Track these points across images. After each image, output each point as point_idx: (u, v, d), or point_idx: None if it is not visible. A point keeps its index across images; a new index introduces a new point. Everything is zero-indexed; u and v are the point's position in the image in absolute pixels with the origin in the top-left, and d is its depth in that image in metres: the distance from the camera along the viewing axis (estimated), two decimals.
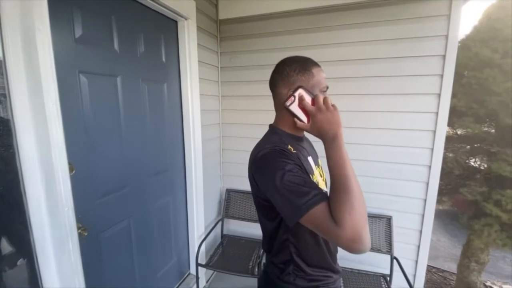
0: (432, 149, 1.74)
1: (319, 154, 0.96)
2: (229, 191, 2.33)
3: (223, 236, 2.27)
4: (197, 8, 1.78)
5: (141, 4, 1.44)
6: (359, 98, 1.86)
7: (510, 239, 2.07)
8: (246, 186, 2.32)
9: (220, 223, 2.27)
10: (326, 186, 0.87)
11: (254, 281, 1.82)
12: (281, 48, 2.00)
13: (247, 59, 2.12)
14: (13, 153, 0.95)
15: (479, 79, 2.14)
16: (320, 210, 0.59)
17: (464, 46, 2.31)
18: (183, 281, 2.03)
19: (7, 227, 1.01)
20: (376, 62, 1.79)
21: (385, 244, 1.87)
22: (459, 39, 1.66)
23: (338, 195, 0.60)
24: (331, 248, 0.84)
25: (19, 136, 0.93)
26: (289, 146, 0.75)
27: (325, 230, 0.59)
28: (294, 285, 0.80)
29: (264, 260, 1.87)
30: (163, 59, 1.65)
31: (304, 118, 0.73)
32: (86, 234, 1.17)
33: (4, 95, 0.91)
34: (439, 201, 1.85)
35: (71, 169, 1.09)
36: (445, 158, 1.94)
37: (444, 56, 1.65)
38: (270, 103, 2.21)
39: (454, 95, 1.89)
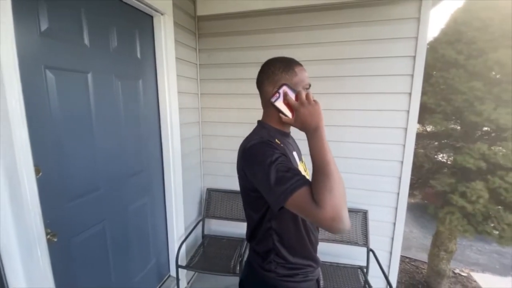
0: (404, 146, 1.83)
1: (303, 152, 1.00)
2: (210, 191, 2.30)
3: (204, 236, 2.24)
4: (174, 3, 1.73)
5: None
6: (335, 97, 1.91)
7: (471, 226, 2.23)
8: (227, 185, 2.31)
9: (200, 223, 2.24)
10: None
11: (236, 280, 1.81)
12: (260, 46, 2.00)
13: (227, 57, 2.10)
14: None
15: (446, 78, 2.28)
16: (302, 193, 0.63)
17: (432, 48, 2.45)
18: (163, 283, 1.98)
19: None
20: (351, 62, 1.85)
21: (361, 237, 1.94)
22: (427, 41, 1.75)
23: (318, 179, 0.64)
24: (312, 238, 0.88)
25: None
26: (276, 140, 0.80)
27: (308, 211, 0.63)
28: (275, 273, 0.84)
29: (245, 258, 1.87)
30: (138, 55, 1.59)
31: (288, 113, 0.78)
32: (55, 239, 1.10)
33: None
34: (410, 195, 1.95)
35: (37, 172, 1.02)
36: (416, 154, 2.05)
37: (414, 57, 1.73)
38: (250, 101, 2.21)
39: (424, 93, 2.00)
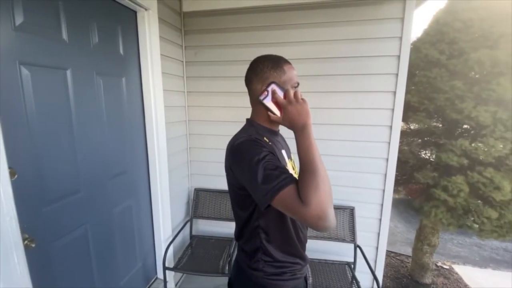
0: (389, 143, 1.86)
1: (292, 150, 0.99)
2: (197, 191, 2.27)
3: (192, 237, 2.21)
4: None
5: None
6: (322, 95, 1.92)
7: (454, 219, 2.31)
8: (215, 184, 2.29)
9: (188, 224, 2.21)
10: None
11: (224, 280, 1.80)
12: (248, 44, 1.98)
13: (214, 54, 2.07)
14: None
15: (429, 77, 2.34)
16: (289, 191, 0.63)
17: (416, 47, 2.51)
18: (149, 286, 1.94)
19: None
20: (338, 61, 1.86)
21: (348, 233, 1.97)
22: (411, 41, 1.79)
23: (305, 177, 0.64)
24: (301, 236, 0.88)
25: None
26: (265, 138, 0.80)
27: (294, 210, 0.63)
28: (263, 272, 0.84)
29: (234, 257, 1.86)
30: (121, 51, 1.53)
31: (276, 111, 0.77)
32: (33, 245, 1.05)
33: None
34: (395, 191, 2.00)
35: (12, 174, 0.97)
36: (400, 151, 2.10)
37: (398, 57, 1.76)
38: (238, 100, 2.19)
39: (408, 92, 2.05)
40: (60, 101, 1.19)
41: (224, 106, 2.12)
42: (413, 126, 2.83)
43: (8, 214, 0.92)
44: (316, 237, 1.98)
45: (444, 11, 2.46)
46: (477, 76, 2.24)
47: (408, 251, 3.29)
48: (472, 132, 2.40)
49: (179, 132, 2.12)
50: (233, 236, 2.13)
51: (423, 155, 2.75)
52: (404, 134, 2.76)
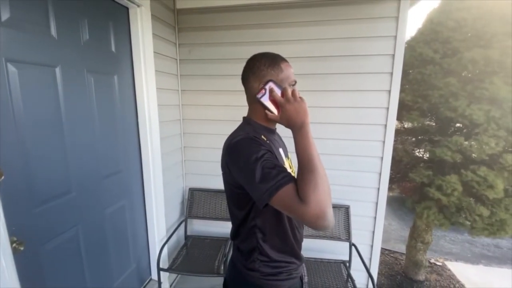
0: (384, 142, 1.87)
1: (289, 149, 0.99)
2: (192, 191, 2.24)
3: (186, 237, 2.19)
4: None
5: None
6: (318, 94, 1.92)
7: (447, 219, 2.34)
8: (210, 184, 2.27)
9: (183, 224, 2.19)
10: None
11: (220, 280, 1.78)
12: (242, 42, 1.96)
13: (208, 52, 2.04)
14: None
15: (423, 74, 2.36)
16: (287, 190, 0.63)
17: (410, 46, 2.52)
18: (144, 287, 1.91)
19: None
20: (333, 60, 1.85)
21: (344, 232, 1.97)
22: (405, 40, 1.79)
23: (303, 175, 0.64)
24: (297, 236, 0.88)
25: None
26: (262, 136, 0.79)
27: (292, 208, 0.62)
28: (259, 272, 0.83)
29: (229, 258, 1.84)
30: (113, 48, 1.50)
31: (274, 109, 0.77)
32: (22, 248, 1.02)
33: None
34: (389, 189, 2.01)
35: None
36: (395, 149, 2.11)
37: (393, 55, 1.76)
38: (233, 98, 2.17)
39: (402, 90, 2.05)
40: (49, 99, 1.15)
41: (218, 104, 2.09)
42: (407, 124, 2.85)
43: None
44: (312, 236, 1.98)
45: (438, 10, 2.48)
46: (469, 75, 2.26)
47: (402, 248, 3.32)
48: (465, 130, 2.42)
49: (173, 131, 2.09)
50: (228, 236, 2.12)
51: (417, 154, 2.77)
52: (398, 132, 2.78)
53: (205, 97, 2.11)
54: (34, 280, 1.11)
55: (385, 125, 1.84)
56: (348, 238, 1.95)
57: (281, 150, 0.88)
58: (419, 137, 2.73)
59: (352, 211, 1.98)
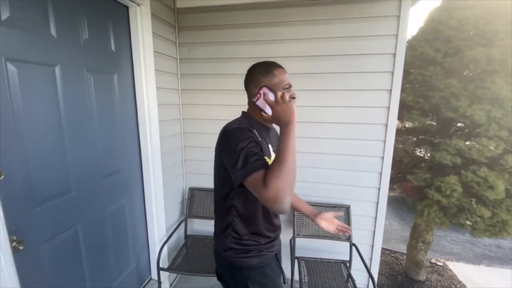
0: (385, 141, 1.86)
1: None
2: (192, 190, 2.24)
3: (186, 236, 2.18)
4: None
5: None
6: (318, 93, 1.91)
7: (447, 218, 2.32)
8: (210, 183, 2.24)
9: (183, 223, 2.18)
10: None
11: None
12: (242, 41, 1.95)
13: (208, 51, 2.04)
14: None
15: (424, 76, 2.34)
16: (258, 174, 0.74)
17: (411, 45, 2.50)
18: (143, 287, 1.91)
19: None
20: (334, 59, 1.84)
21: None
22: (407, 39, 1.78)
23: (273, 164, 0.75)
24: (271, 219, 0.99)
25: None
26: (255, 130, 0.91)
27: (257, 191, 0.74)
28: (232, 250, 0.95)
29: None
30: (112, 47, 1.50)
31: (268, 110, 0.88)
32: (22, 247, 1.02)
33: None
34: (390, 189, 2.00)
35: None
36: (395, 149, 2.10)
37: (394, 55, 1.75)
38: (233, 98, 2.17)
39: (403, 90, 2.04)
40: (49, 99, 1.15)
41: (219, 104, 2.09)
42: (408, 124, 2.83)
43: None
44: (312, 236, 1.97)
45: (440, 9, 2.46)
46: (471, 74, 2.24)
47: (403, 248, 3.30)
48: (466, 130, 2.41)
49: (173, 131, 2.09)
50: None
51: (418, 153, 2.76)
52: (399, 132, 2.77)
53: (205, 96, 2.11)
54: (33, 279, 1.11)
55: (386, 125, 1.83)
56: (348, 238, 1.95)
57: (270, 146, 0.98)
58: (420, 137, 2.71)
59: (352, 211, 1.98)
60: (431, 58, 2.34)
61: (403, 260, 3.17)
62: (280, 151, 0.77)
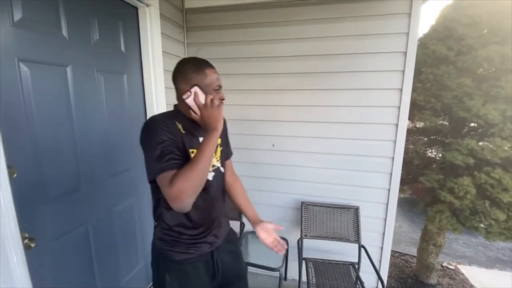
0: (395, 142, 1.82)
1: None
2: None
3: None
4: None
5: None
6: (326, 93, 1.89)
7: (460, 224, 2.26)
8: None
9: None
10: (220, 163, 1.03)
11: None
12: (251, 41, 1.95)
13: (216, 51, 2.04)
14: None
15: (436, 75, 2.29)
16: (168, 174, 0.76)
17: (422, 44, 2.45)
18: (151, 286, 1.92)
19: None
20: (342, 58, 1.82)
21: (353, 233, 1.94)
22: (418, 37, 1.74)
23: (186, 166, 0.76)
24: (201, 213, 0.95)
25: None
26: (179, 125, 0.89)
27: (163, 188, 0.77)
28: (161, 240, 0.96)
29: None
30: (122, 48, 1.51)
31: (197, 110, 0.86)
32: (33, 245, 1.04)
33: None
34: (400, 190, 1.96)
35: (11, 173, 0.95)
36: (406, 149, 2.06)
37: (405, 53, 1.72)
38: (240, 98, 2.17)
39: (414, 90, 2.00)
40: (61, 99, 1.17)
41: (226, 103, 2.08)
42: (419, 124, 2.78)
43: (7, 214, 0.90)
44: (320, 237, 1.96)
45: (452, 6, 2.40)
46: (485, 73, 2.18)
47: (413, 251, 3.24)
48: (479, 130, 2.34)
49: None
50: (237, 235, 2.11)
51: (429, 154, 2.70)
52: (409, 132, 2.72)
53: None
54: (44, 275, 1.13)
55: (396, 125, 1.80)
56: (357, 240, 1.92)
57: (201, 138, 0.94)
58: (432, 137, 2.65)
59: (361, 212, 1.95)
60: (443, 57, 2.29)
61: (413, 262, 3.11)
62: (196, 155, 0.79)
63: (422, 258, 2.73)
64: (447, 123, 2.52)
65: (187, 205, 0.76)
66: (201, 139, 0.94)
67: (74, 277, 1.29)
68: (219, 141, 1.01)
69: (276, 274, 1.82)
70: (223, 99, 0.94)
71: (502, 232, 2.11)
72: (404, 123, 1.79)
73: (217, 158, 1.01)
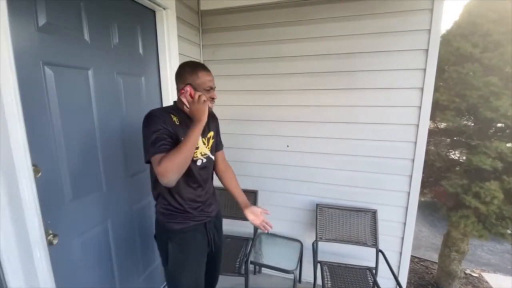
0: (415, 143, 1.76)
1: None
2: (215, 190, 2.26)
3: None
4: None
5: None
6: (345, 92, 1.85)
7: (486, 230, 2.14)
8: None
9: None
10: (210, 152, 1.22)
11: (241, 280, 1.79)
12: (266, 41, 1.94)
13: (231, 53, 2.05)
14: None
15: (460, 73, 2.18)
16: (159, 156, 0.92)
17: (445, 40, 2.34)
18: None
19: None
20: (361, 56, 1.77)
21: (370, 237, 1.88)
22: (441, 34, 1.67)
23: (173, 150, 0.93)
24: (190, 189, 1.13)
25: None
26: (174, 117, 1.06)
27: (154, 166, 0.92)
28: (162, 215, 1.14)
29: (251, 258, 1.84)
30: (140, 51, 1.55)
31: (188, 105, 1.05)
32: (56, 241, 1.08)
33: None
34: (420, 193, 1.88)
35: (36, 172, 0.99)
36: (427, 151, 1.97)
37: (427, 51, 1.65)
38: (256, 98, 2.17)
39: (436, 89, 1.91)
40: (83, 100, 1.21)
41: (241, 104, 2.09)
42: (441, 125, 2.66)
43: (31, 211, 0.94)
44: (335, 240, 1.92)
45: (477, 1, 2.28)
46: None
47: (434, 256, 3.11)
48: (507, 131, 2.21)
49: None
50: (248, 235, 2.12)
51: (452, 156, 2.58)
52: (431, 133, 2.61)
53: (229, 97, 2.12)
54: (66, 272, 1.18)
55: (417, 125, 1.73)
56: (374, 244, 1.86)
57: None
58: (455, 139, 2.53)
59: (379, 216, 1.89)
60: (467, 54, 2.18)
61: (434, 269, 2.99)
62: (183, 141, 0.95)
63: (444, 264, 2.61)
64: (472, 124, 2.40)
65: (172, 181, 0.91)
66: None
67: (94, 273, 1.34)
68: (211, 133, 1.24)
69: (290, 276, 1.80)
70: (213, 98, 1.11)
71: None
72: (426, 124, 1.72)
73: (208, 147, 1.20)
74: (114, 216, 1.44)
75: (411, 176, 1.80)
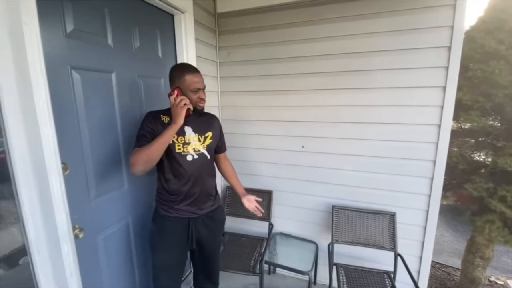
0: (437, 144, 1.69)
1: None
2: (229, 189, 2.30)
3: (224, 233, 2.24)
4: (194, 1, 1.73)
5: None
6: (362, 92, 1.81)
7: None
8: (247, 183, 2.29)
9: None
10: (206, 150, 1.30)
11: (255, 279, 1.80)
12: (282, 41, 1.94)
13: (247, 54, 2.07)
14: (4, 154, 0.91)
15: (485, 72, 2.08)
16: (136, 149, 1.11)
17: (469, 37, 2.24)
18: (184, 279, 2.01)
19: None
20: (379, 55, 1.74)
21: (388, 240, 1.84)
22: (464, 30, 1.60)
23: (145, 145, 1.09)
24: (182, 185, 1.24)
25: (10, 137, 0.90)
26: (164, 117, 1.22)
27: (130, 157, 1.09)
28: (159, 202, 1.29)
29: (265, 258, 1.84)
30: (160, 54, 1.60)
31: None
32: (82, 235, 1.14)
33: None
34: (443, 196, 1.81)
35: (65, 169, 1.06)
36: (449, 153, 1.89)
37: (449, 48, 1.59)
38: (271, 98, 2.19)
39: (459, 89, 1.84)
40: (107, 102, 1.28)
41: (257, 105, 2.11)
42: (464, 125, 2.55)
43: (60, 206, 1.00)
44: (352, 243, 1.88)
45: None
46: None
47: (457, 262, 2.98)
48: None
49: None
50: (263, 235, 2.13)
51: (477, 158, 2.46)
52: (454, 134, 2.50)
53: (244, 98, 2.15)
54: (90, 264, 1.24)
55: (439, 126, 1.67)
56: (393, 248, 1.81)
57: (188, 128, 1.26)
58: (480, 140, 2.42)
59: (398, 219, 1.84)
60: (493, 51, 2.08)
61: (456, 276, 2.86)
62: (155, 138, 1.08)
63: (467, 271, 2.49)
64: (499, 124, 2.28)
65: (138, 171, 1.07)
66: (185, 128, 1.24)
67: (115, 266, 1.40)
68: (210, 133, 1.33)
69: (305, 277, 1.79)
70: (202, 98, 1.22)
71: None
72: (448, 124, 1.66)
73: (203, 145, 1.29)
74: (135, 213, 1.50)
75: (432, 178, 1.74)
